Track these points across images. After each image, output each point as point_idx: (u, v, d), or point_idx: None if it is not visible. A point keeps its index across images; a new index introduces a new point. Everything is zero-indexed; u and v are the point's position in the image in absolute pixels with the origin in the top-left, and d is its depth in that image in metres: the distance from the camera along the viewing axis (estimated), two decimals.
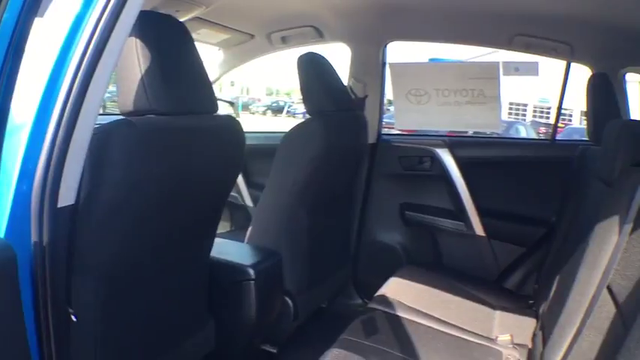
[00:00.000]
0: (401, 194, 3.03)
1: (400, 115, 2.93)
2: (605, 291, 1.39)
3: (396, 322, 1.99)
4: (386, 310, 2.07)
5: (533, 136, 13.32)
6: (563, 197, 2.63)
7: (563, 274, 1.90)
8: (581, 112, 14.02)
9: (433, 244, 3.00)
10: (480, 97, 2.79)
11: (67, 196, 1.12)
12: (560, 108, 3.10)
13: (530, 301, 2.49)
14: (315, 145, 2.23)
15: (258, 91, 30.64)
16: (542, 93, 17.34)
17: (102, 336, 1.44)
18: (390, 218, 3.03)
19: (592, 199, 1.91)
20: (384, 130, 3.10)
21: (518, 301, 2.49)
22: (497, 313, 2.27)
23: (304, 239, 2.36)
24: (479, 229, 2.88)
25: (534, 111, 19.19)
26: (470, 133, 3.33)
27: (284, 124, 16.87)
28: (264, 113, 24.04)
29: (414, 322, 2.01)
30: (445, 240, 2.98)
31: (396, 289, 2.25)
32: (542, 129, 14.69)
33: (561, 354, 1.51)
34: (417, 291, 2.27)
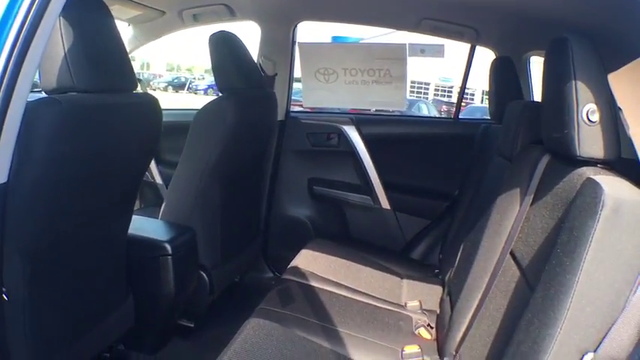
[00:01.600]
0: (309, 170, 3.17)
1: (309, 93, 3.05)
2: (508, 257, 1.53)
3: (311, 292, 2.09)
4: (300, 280, 2.17)
5: (435, 113, 13.87)
6: (466, 172, 2.83)
7: (467, 243, 2.05)
8: (483, 91, 14.75)
9: (341, 218, 3.16)
10: (387, 77, 2.94)
11: None
12: (463, 88, 3.31)
13: (436, 270, 2.65)
14: (227, 121, 2.29)
15: (159, 66, 30.00)
16: (444, 72, 17.91)
17: (30, 314, 1.47)
18: (299, 193, 3.16)
19: (494, 173, 2.10)
20: (293, 108, 3.19)
21: (424, 270, 2.66)
22: (405, 281, 2.42)
23: (217, 215, 2.43)
24: (385, 203, 3.06)
25: (436, 90, 19.80)
26: (372, 110, 3.48)
27: (186, 100, 16.59)
28: (165, 89, 23.37)
29: (327, 291, 2.12)
30: (352, 213, 3.14)
31: (308, 261, 2.36)
32: (444, 107, 15.23)
33: (469, 315, 1.64)
34: (328, 262, 2.38)
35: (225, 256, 2.51)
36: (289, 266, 2.31)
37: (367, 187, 3.09)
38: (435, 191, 3.10)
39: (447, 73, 18.11)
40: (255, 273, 3.12)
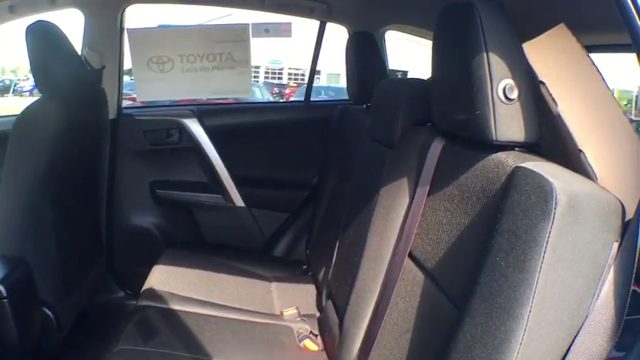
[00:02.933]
0: (150, 172, 2.87)
1: (142, 85, 2.74)
2: (407, 258, 1.38)
3: (174, 318, 1.86)
4: (158, 305, 1.93)
5: (268, 96, 13.78)
6: (324, 158, 2.70)
7: (345, 240, 1.93)
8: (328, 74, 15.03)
9: (192, 222, 2.91)
10: (229, 62, 2.72)
11: None
12: (314, 69, 3.11)
13: (304, 266, 2.53)
14: (52, 126, 1.97)
15: None
16: (273, 55, 17.89)
17: None
18: (141, 199, 2.86)
19: (367, 160, 1.94)
20: (126, 104, 2.89)
21: (291, 268, 2.53)
22: (274, 285, 2.27)
23: (52, 238, 2.09)
24: (238, 200, 2.86)
25: (266, 73, 19.76)
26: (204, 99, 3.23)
27: (11, 104, 15.02)
28: None
29: (193, 313, 1.90)
30: (204, 216, 2.91)
31: (163, 278, 2.11)
32: (276, 89, 15.26)
33: (365, 325, 1.51)
34: (186, 277, 2.16)
35: (69, 285, 2.19)
36: (143, 289, 2.03)
37: (217, 185, 2.87)
38: (291, 182, 2.94)
39: (277, 56, 18.12)
40: (106, 295, 2.79)
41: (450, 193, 1.24)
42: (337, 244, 2.05)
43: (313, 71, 3.07)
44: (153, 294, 1.99)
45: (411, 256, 1.37)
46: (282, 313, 2.01)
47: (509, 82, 1.07)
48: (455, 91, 1.20)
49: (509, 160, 1.05)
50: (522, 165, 0.99)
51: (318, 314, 2.06)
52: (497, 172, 1.07)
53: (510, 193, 0.97)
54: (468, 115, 1.13)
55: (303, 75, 16.65)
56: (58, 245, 2.11)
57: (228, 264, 2.39)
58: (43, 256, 2.04)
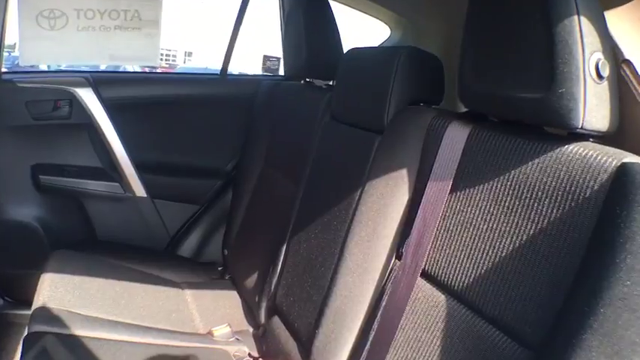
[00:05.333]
0: (32, 153, 2.40)
1: (27, 45, 2.26)
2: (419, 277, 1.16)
3: (79, 348, 1.52)
4: (56, 330, 1.56)
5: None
6: (246, 142, 2.39)
7: (299, 243, 1.67)
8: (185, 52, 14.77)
9: (82, 216, 2.47)
10: (135, 21, 2.31)
11: None
12: (234, 37, 2.68)
13: (219, 268, 2.27)
14: None
15: None
16: None
17: None
18: (20, 187, 2.37)
19: (341, 150, 1.65)
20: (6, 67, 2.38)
21: (205, 272, 2.24)
22: (188, 293, 2.01)
23: None
24: (138, 189, 2.45)
25: None
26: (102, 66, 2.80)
27: None
28: None
29: (101, 339, 1.58)
30: (97, 208, 2.47)
31: (55, 291, 1.75)
32: (147, 69, 14.72)
33: (349, 348, 1.30)
34: (84, 287, 1.81)
35: None
36: (34, 308, 1.66)
37: (114, 171, 2.44)
38: (202, 169, 2.57)
39: None
40: None
41: (493, 193, 1.02)
42: (285, 248, 1.77)
43: (234, 38, 2.69)
44: (46, 314, 1.63)
45: (424, 273, 1.17)
46: (211, 333, 1.73)
47: (600, 56, 0.88)
48: (514, 63, 0.98)
49: (601, 153, 0.88)
50: (632, 161, 0.83)
51: (251, 330, 1.82)
52: (587, 168, 0.88)
53: (628, 198, 0.78)
54: (534, 93, 0.92)
55: (175, 56, 16.25)
56: None
57: (130, 267, 2.07)
58: None
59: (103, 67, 2.80)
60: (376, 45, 2.40)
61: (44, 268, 1.89)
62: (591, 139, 0.93)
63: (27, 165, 2.39)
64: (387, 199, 1.30)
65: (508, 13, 0.99)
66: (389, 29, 2.49)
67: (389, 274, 1.27)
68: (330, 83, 2.05)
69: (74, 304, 1.70)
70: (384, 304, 1.22)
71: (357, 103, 1.60)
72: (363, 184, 1.39)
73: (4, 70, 2.34)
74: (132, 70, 2.80)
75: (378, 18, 2.51)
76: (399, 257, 1.24)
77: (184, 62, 14.74)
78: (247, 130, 2.42)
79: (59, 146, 2.43)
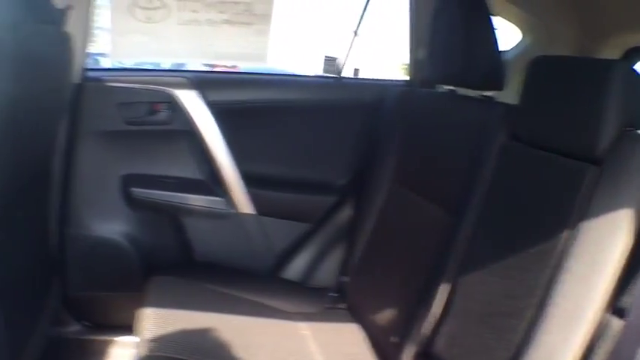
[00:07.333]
0: (123, 162, 2.15)
1: (120, 39, 2.02)
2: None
3: None
4: None
5: None
6: (371, 155, 2.13)
7: (471, 284, 1.46)
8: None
9: (178, 233, 2.22)
10: (246, 16, 2.06)
11: None
12: (355, 35, 2.37)
13: (332, 294, 2.07)
14: None
15: None
16: None
17: None
18: (108, 199, 2.14)
19: (531, 177, 1.43)
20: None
21: (318, 299, 2.05)
22: (304, 326, 1.83)
23: None
24: (244, 205, 2.20)
25: None
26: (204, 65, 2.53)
27: None
28: None
29: None
30: (196, 225, 2.21)
31: (161, 332, 1.59)
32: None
33: None
34: (192, 322, 1.66)
35: (13, 347, 1.50)
36: (138, 350, 1.52)
37: (217, 185, 2.19)
38: (314, 183, 2.29)
39: None
40: (55, 328, 2.12)
41: None
42: (443, 287, 1.54)
43: (354, 38, 2.38)
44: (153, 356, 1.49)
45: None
46: None
47: None
48: None
49: None
50: None
51: None
52: None
53: None
54: None
55: None
56: None
57: (237, 296, 1.91)
58: None
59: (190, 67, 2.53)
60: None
61: (145, 298, 1.76)
62: None
63: (116, 175, 2.15)
64: (604, 244, 1.15)
65: None
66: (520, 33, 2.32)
67: (600, 333, 1.13)
68: (487, 94, 1.77)
69: (183, 348, 1.54)
70: None
71: (556, 124, 1.36)
72: (571, 224, 1.21)
73: (91, 67, 2.08)
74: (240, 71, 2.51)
75: (509, 20, 2.33)
76: (617, 313, 1.11)
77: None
78: (369, 142, 2.16)
79: (154, 155, 2.19)
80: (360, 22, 2.32)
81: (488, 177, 1.52)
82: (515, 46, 2.34)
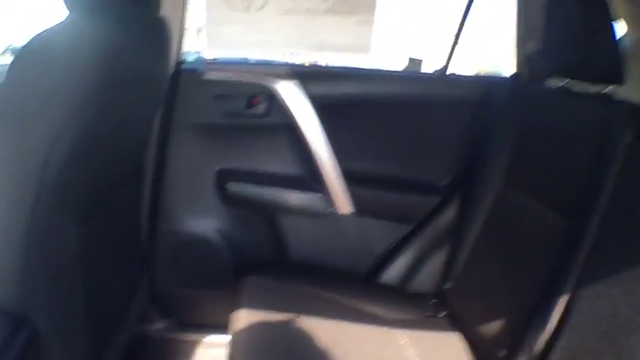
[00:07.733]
0: (218, 156, 2.09)
1: (215, 28, 1.94)
2: None
3: None
4: None
5: None
6: (476, 152, 2.00)
7: (597, 296, 1.34)
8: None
9: (273, 231, 2.16)
10: (349, 5, 1.93)
11: None
12: (460, 32, 2.33)
13: (432, 301, 1.97)
14: (89, 72, 1.10)
15: None
16: None
17: None
18: (202, 194, 2.10)
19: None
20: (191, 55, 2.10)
21: (416, 306, 1.96)
22: (401, 335, 1.73)
23: (76, 278, 1.29)
24: (344, 204, 2.09)
25: None
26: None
27: None
28: None
29: None
30: (292, 223, 2.14)
31: (256, 331, 1.60)
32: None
33: None
34: (288, 328, 1.65)
35: (98, 347, 1.46)
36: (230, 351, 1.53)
37: (316, 181, 2.09)
38: (415, 182, 2.16)
39: None
40: (140, 324, 2.13)
41: None
42: (561, 299, 1.40)
43: (459, 34, 2.24)
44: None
45: None
46: None
47: None
48: None
49: None
50: None
51: None
52: None
53: None
54: None
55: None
56: (86, 288, 1.34)
57: (335, 301, 1.85)
58: (60, 308, 1.27)
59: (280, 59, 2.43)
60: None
61: (240, 298, 1.75)
62: None
63: (212, 170, 2.09)
64: None
65: None
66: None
67: None
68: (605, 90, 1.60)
69: (276, 349, 1.56)
70: None
71: None
72: None
73: (186, 58, 2.01)
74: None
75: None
76: None
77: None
78: (474, 141, 2.03)
79: (250, 149, 2.11)
80: (461, 26, 2.20)
81: (613, 180, 1.38)
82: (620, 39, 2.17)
